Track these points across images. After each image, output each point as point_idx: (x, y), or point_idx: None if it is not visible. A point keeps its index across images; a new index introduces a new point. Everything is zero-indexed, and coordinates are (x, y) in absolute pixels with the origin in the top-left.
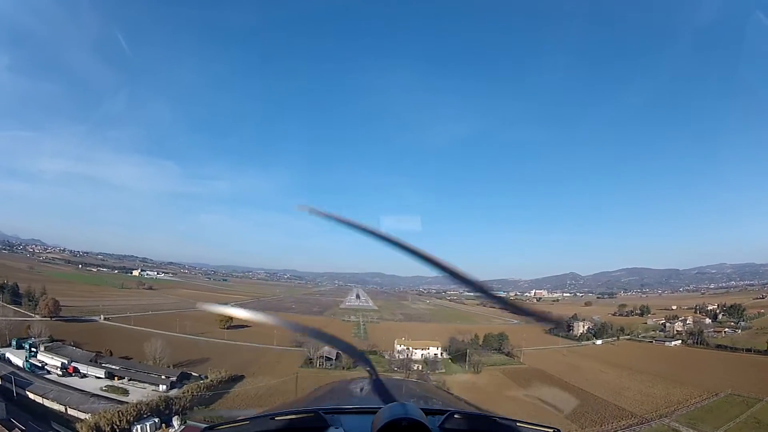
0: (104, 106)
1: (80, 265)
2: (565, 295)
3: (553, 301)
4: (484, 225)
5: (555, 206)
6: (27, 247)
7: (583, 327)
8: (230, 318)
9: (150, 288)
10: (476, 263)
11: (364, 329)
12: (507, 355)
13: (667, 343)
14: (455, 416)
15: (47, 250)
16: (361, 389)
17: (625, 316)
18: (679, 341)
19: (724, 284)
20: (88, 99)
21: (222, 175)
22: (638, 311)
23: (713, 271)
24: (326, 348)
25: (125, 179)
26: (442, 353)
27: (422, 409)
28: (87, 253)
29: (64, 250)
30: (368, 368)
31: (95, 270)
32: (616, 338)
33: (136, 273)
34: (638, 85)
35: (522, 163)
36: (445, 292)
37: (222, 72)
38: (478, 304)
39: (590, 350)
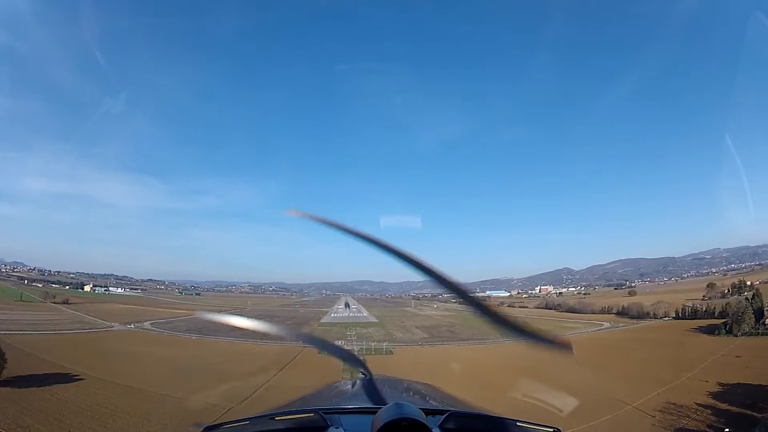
0: (88, 122)
1: (26, 281)
2: (570, 289)
3: (585, 294)
4: (474, 225)
5: (545, 203)
6: None
7: None
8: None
9: (65, 302)
10: (466, 264)
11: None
12: None
13: None
14: (455, 416)
15: (15, 270)
16: (361, 389)
17: (721, 297)
18: None
19: (724, 267)
20: (71, 116)
21: (209, 190)
22: (735, 289)
23: (708, 257)
24: None
25: (110, 197)
26: None
27: (422, 409)
28: (59, 272)
29: (33, 269)
30: (362, 370)
31: (41, 286)
32: None
33: (87, 288)
34: (626, 78)
35: (510, 163)
36: (441, 295)
37: (207, 82)
38: (508, 306)
39: None
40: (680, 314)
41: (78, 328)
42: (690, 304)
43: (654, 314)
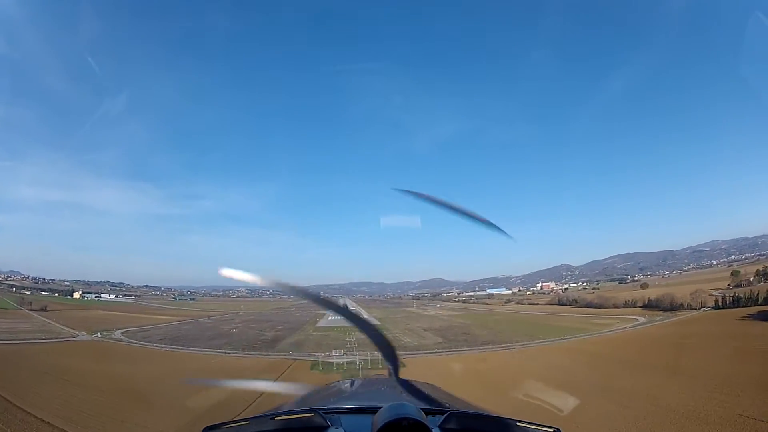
0: (82, 129)
1: (14, 289)
2: (572, 285)
3: (594, 289)
4: (472, 224)
5: (541, 199)
6: None
7: None
8: None
9: (43, 309)
10: (465, 262)
11: None
12: None
13: None
14: (455, 416)
15: (9, 278)
16: (361, 389)
17: (745, 286)
18: None
19: (725, 259)
20: (65, 123)
21: (205, 194)
22: (761, 276)
23: (707, 249)
24: None
25: (106, 204)
26: None
27: (422, 409)
28: (53, 280)
29: (28, 278)
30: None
31: (29, 293)
32: None
33: (77, 295)
34: (621, 74)
35: (506, 160)
36: (440, 294)
37: (201, 85)
38: (517, 303)
39: None
40: (720, 304)
41: (37, 337)
42: (725, 293)
43: (689, 305)
